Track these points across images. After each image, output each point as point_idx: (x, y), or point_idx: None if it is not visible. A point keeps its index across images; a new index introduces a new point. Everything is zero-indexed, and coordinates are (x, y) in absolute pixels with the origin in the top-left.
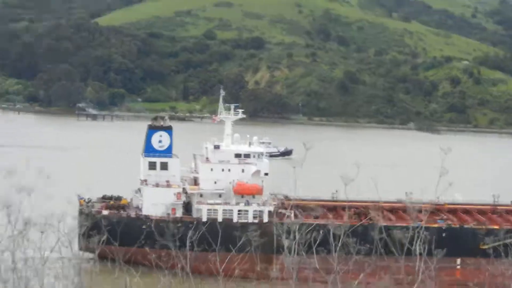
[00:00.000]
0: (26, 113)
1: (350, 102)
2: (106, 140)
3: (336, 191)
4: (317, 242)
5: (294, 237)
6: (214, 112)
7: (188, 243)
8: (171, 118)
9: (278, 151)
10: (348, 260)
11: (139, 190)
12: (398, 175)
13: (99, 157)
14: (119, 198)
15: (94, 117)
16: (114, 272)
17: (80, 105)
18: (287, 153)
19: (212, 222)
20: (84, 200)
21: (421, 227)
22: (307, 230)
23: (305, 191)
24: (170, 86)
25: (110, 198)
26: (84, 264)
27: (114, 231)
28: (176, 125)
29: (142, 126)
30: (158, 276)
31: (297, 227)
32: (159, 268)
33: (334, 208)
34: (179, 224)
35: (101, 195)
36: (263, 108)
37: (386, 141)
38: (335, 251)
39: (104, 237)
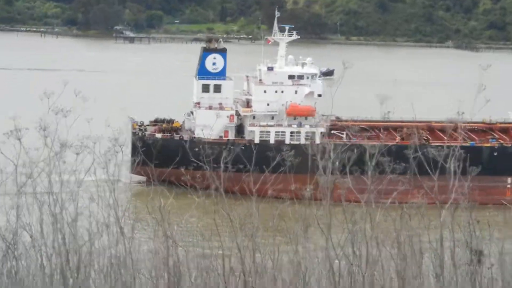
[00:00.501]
0: (64, 36)
1: (388, 21)
2: (145, 63)
3: (388, 112)
4: (351, 161)
5: (329, 156)
6: (252, 33)
7: (222, 164)
8: (209, 39)
9: (320, 71)
10: (382, 179)
11: (192, 112)
12: (438, 94)
13: (139, 80)
14: (171, 121)
15: (131, 40)
16: (149, 193)
17: (117, 27)
18: (329, 73)
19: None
20: (137, 123)
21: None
22: (342, 150)
23: (345, 111)
24: (207, 7)
25: (163, 121)
26: (121, 187)
27: (166, 153)
28: None
29: (179, 48)
30: (192, 197)
31: (332, 146)
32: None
33: (386, 129)
34: (232, 146)
35: (153, 118)
36: (301, 28)
37: (425, 59)
38: (369, 171)
39: (140, 159)
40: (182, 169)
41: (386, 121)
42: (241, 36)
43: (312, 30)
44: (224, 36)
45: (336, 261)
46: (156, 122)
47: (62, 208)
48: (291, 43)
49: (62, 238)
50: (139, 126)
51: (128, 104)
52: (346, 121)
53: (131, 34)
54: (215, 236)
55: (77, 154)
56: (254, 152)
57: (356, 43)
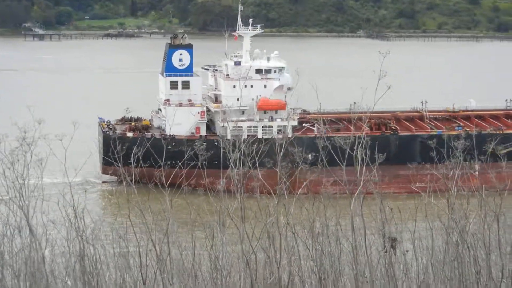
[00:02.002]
0: None
1: (300, 12)
2: (56, 60)
3: (354, 103)
4: (263, 154)
5: (240, 150)
6: (163, 27)
7: (133, 159)
8: (119, 35)
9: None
10: (295, 170)
11: (160, 110)
12: (344, 83)
13: (49, 78)
14: (139, 119)
15: (41, 37)
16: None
17: (26, 25)
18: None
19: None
20: (105, 122)
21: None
22: (252, 142)
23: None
24: (117, 2)
25: (130, 119)
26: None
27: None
28: (125, 42)
29: (90, 44)
30: (109, 195)
31: (242, 140)
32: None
33: (352, 120)
34: (205, 143)
35: (120, 117)
36: (212, 21)
37: (337, 49)
38: (280, 162)
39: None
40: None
41: (352, 113)
42: (153, 30)
43: (224, 22)
44: (136, 30)
45: (253, 254)
46: (123, 120)
47: None
48: (200, 36)
49: None
50: (108, 125)
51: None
52: (314, 113)
53: (41, 31)
54: (131, 233)
55: None
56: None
57: (269, 35)
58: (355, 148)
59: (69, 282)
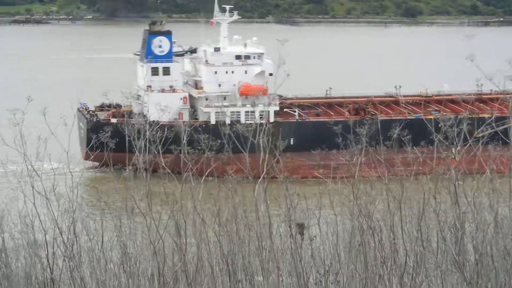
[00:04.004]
0: None
1: None
2: None
3: (330, 88)
4: (169, 140)
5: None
6: (71, 13)
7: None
8: (27, 21)
9: (183, 50)
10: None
11: (139, 96)
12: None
13: None
14: (119, 106)
15: None
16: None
17: None
18: (192, 51)
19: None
20: (85, 108)
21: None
22: (158, 128)
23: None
24: None
25: (109, 106)
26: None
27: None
28: (33, 28)
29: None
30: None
31: (148, 125)
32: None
33: (330, 105)
34: (189, 128)
35: (98, 104)
36: (122, 7)
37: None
38: (187, 149)
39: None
40: None
41: (330, 98)
42: (61, 17)
43: (133, 9)
44: (44, 17)
45: (161, 241)
46: (101, 107)
47: None
48: (109, 23)
49: None
50: (88, 111)
51: None
52: (291, 99)
53: None
54: (37, 220)
55: None
56: None
57: (178, 21)
58: (256, 135)
59: None
